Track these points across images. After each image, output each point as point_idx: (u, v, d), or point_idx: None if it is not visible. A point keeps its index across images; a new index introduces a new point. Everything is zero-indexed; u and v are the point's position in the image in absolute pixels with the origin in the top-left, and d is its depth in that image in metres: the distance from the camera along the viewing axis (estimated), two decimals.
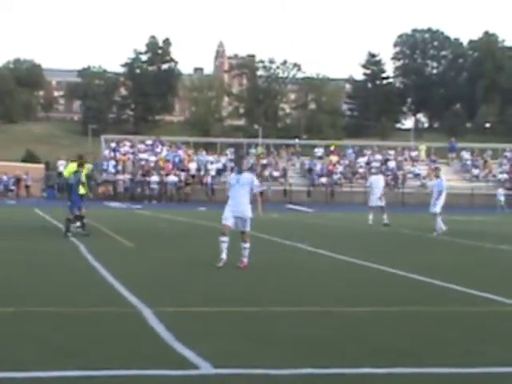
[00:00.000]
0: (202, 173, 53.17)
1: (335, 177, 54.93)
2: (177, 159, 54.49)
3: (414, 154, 60.45)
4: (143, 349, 6.41)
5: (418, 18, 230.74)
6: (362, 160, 58.01)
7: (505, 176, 55.86)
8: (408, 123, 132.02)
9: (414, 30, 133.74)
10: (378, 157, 58.50)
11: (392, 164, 57.14)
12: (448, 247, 18.59)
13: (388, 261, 13.95)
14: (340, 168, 56.19)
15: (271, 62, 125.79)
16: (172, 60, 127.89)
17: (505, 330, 7.73)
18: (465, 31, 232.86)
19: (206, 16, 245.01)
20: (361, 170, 56.26)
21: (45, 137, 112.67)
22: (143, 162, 53.45)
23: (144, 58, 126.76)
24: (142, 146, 57.65)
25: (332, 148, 60.07)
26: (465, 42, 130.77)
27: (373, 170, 47.87)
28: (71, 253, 14.87)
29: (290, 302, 9.18)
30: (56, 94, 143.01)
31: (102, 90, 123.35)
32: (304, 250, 16.38)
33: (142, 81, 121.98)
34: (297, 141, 67.40)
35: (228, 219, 12.54)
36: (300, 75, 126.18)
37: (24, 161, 75.23)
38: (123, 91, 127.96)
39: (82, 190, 19.38)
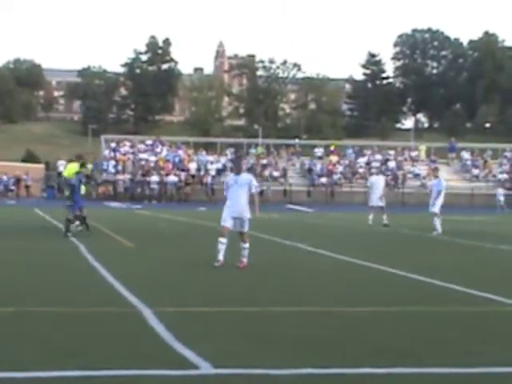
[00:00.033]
0: (202, 173, 53.17)
1: (335, 177, 54.93)
2: (177, 159, 54.49)
3: (414, 154, 60.45)
4: (143, 349, 6.41)
5: (418, 18, 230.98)
6: (362, 160, 58.01)
7: (505, 176, 55.87)
8: (408, 123, 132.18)
9: (414, 30, 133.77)
10: (378, 157, 58.50)
11: (392, 164, 57.13)
12: (448, 247, 18.59)
13: (388, 261, 13.95)
14: (340, 168, 56.18)
15: (271, 62, 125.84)
16: (172, 60, 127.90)
17: (505, 329, 7.73)
18: (465, 31, 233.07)
19: (206, 16, 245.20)
20: (361, 170, 56.26)
21: (45, 137, 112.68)
22: (143, 162, 53.45)
23: (144, 58, 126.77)
24: (142, 146, 57.65)
25: (332, 148, 60.07)
26: (465, 42, 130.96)
27: (373, 170, 47.91)
28: (71, 253, 14.87)
29: (290, 302, 9.18)
30: (56, 94, 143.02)
31: (102, 90, 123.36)
32: (304, 250, 16.38)
33: (142, 81, 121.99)
34: (297, 141, 67.39)
35: (227, 221, 12.54)
36: (300, 75, 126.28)
37: (24, 161, 75.23)
38: (123, 91, 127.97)
39: (82, 191, 19.41)
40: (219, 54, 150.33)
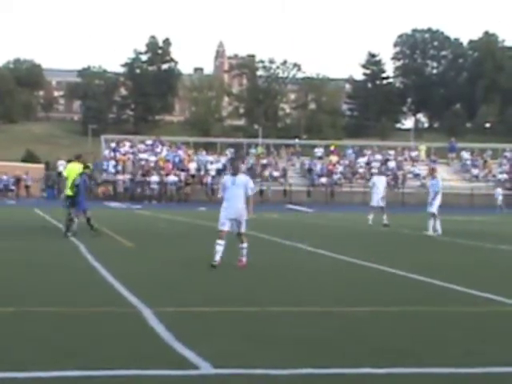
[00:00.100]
0: (202, 173, 53.18)
1: (335, 177, 54.93)
2: (177, 159, 54.50)
3: (414, 154, 60.46)
4: (143, 349, 6.41)
5: (418, 18, 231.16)
6: (362, 160, 58.02)
7: (504, 176, 55.88)
8: (408, 123, 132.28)
9: (414, 30, 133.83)
10: (378, 157, 58.51)
11: (392, 164, 57.14)
12: (448, 247, 18.59)
13: (388, 261, 13.95)
14: (340, 168, 56.19)
15: (271, 62, 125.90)
16: (172, 60, 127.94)
17: (505, 329, 7.72)
18: (465, 31, 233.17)
19: (206, 16, 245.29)
20: (361, 170, 56.27)
21: (45, 137, 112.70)
22: (143, 162, 53.45)
23: (144, 57, 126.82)
24: (142, 146, 57.65)
25: (332, 148, 60.08)
26: (465, 42, 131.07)
27: (374, 171, 47.95)
28: (71, 253, 14.87)
29: (290, 302, 9.18)
30: (56, 94, 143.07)
31: (102, 90, 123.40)
32: (304, 250, 16.37)
33: (142, 81, 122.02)
34: (297, 141, 67.41)
35: (225, 224, 12.51)
36: (300, 75, 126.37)
37: (24, 161, 75.26)
38: (123, 91, 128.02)
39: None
40: (219, 54, 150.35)
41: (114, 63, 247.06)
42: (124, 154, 55.18)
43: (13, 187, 53.41)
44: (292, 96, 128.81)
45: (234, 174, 12.81)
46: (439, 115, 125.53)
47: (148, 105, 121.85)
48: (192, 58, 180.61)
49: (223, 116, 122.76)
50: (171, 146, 57.87)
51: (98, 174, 49.38)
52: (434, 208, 22.30)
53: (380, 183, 27.53)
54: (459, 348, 6.75)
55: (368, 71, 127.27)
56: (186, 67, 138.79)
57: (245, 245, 12.65)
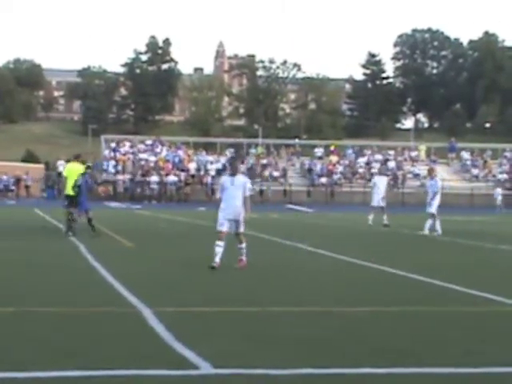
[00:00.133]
0: (202, 173, 53.18)
1: (335, 177, 54.92)
2: (177, 159, 54.50)
3: (413, 154, 60.45)
4: (143, 349, 6.41)
5: (418, 18, 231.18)
6: (362, 160, 58.01)
7: (504, 176, 55.89)
8: (408, 123, 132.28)
9: (414, 30, 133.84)
10: (378, 157, 58.50)
11: (392, 164, 57.13)
12: (448, 247, 18.59)
13: (388, 261, 13.95)
14: (340, 168, 56.18)
15: (271, 61, 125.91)
16: (172, 60, 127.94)
17: (505, 329, 7.72)
18: (465, 31, 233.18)
19: (206, 16, 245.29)
20: (361, 170, 56.27)
21: (45, 137, 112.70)
22: (143, 162, 53.45)
23: (144, 57, 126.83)
24: (141, 146, 57.65)
25: (332, 148, 60.08)
26: (465, 42, 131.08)
27: (374, 171, 47.94)
28: (71, 253, 14.87)
29: (291, 302, 9.18)
30: (56, 94, 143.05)
31: (102, 90, 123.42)
32: (304, 250, 16.38)
33: (142, 81, 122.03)
34: (297, 141, 67.41)
35: (223, 225, 12.48)
36: (300, 75, 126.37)
37: (24, 161, 75.27)
38: (123, 91, 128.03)
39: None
40: (219, 54, 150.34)
41: (114, 63, 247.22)
42: (124, 154, 55.18)
43: (13, 187, 53.40)
44: (292, 96, 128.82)
45: (233, 174, 12.74)
46: (439, 115, 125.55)
47: (148, 105, 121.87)
48: (192, 57, 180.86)
49: (223, 116, 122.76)
50: (171, 146, 57.87)
51: (98, 174, 49.36)
52: (433, 208, 22.29)
53: (381, 183, 27.53)
54: (459, 348, 6.75)
55: (368, 71, 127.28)
56: (185, 67, 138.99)
57: (244, 245, 12.64)
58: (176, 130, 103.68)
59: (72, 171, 19.42)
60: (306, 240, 18.38)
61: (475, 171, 57.18)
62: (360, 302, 9.26)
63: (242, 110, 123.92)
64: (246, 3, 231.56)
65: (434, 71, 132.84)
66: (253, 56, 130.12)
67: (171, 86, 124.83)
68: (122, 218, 30.07)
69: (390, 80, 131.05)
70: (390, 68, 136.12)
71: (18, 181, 53.81)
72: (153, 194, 50.27)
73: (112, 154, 55.12)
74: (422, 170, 56.18)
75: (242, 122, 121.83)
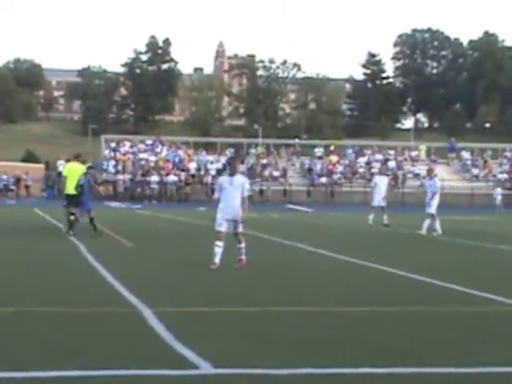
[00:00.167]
0: (202, 173, 53.19)
1: (335, 177, 54.93)
2: (177, 159, 54.51)
3: (414, 153, 60.47)
4: (143, 349, 6.41)
5: (418, 18, 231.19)
6: (362, 160, 58.03)
7: (504, 176, 55.90)
8: (408, 123, 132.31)
9: (414, 30, 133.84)
10: (378, 157, 58.51)
11: (392, 164, 57.14)
12: (448, 247, 18.59)
13: (388, 261, 13.95)
14: (340, 168, 56.20)
15: (271, 61, 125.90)
16: (172, 60, 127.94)
17: (505, 329, 7.72)
18: (465, 31, 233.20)
19: (206, 16, 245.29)
20: (361, 170, 56.28)
21: (45, 137, 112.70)
22: (143, 162, 53.46)
23: (144, 57, 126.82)
24: (142, 146, 57.67)
25: (332, 148, 60.11)
26: (465, 41, 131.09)
27: (374, 170, 47.94)
28: (71, 253, 14.87)
29: (290, 302, 9.18)
30: (56, 93, 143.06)
31: (101, 90, 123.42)
32: (304, 250, 16.38)
33: (142, 81, 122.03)
34: (297, 141, 67.42)
35: (222, 225, 12.45)
36: (300, 75, 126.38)
37: (24, 161, 75.26)
38: (123, 91, 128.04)
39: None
40: (219, 53, 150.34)
41: (114, 63, 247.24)
42: (124, 154, 55.20)
43: (13, 187, 53.42)
44: (292, 96, 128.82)
45: (232, 174, 12.69)
46: (439, 115, 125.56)
47: (148, 105, 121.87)
48: (192, 57, 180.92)
49: (223, 116, 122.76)
50: (171, 146, 57.88)
51: (98, 173, 49.36)
52: (432, 209, 22.28)
53: (382, 183, 27.54)
54: (459, 348, 6.75)
55: (368, 71, 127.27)
56: (185, 67, 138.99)
57: (243, 244, 12.63)
58: (176, 130, 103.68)
59: (72, 171, 19.44)
60: (305, 240, 18.39)
61: (475, 171, 57.20)
62: (360, 301, 9.26)
63: (241, 110, 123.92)
64: (246, 3, 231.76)
65: (434, 71, 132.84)
66: (253, 56, 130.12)
67: (171, 85, 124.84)
68: (122, 218, 30.07)
69: (390, 80, 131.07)
70: (389, 68, 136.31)
71: (17, 181, 53.83)
72: (153, 193, 50.29)
73: (112, 154, 55.14)
74: (422, 169, 56.18)
75: (241, 122, 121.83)
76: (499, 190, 48.86)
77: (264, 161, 56.02)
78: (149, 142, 59.08)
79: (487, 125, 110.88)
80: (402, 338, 7.12)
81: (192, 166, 53.53)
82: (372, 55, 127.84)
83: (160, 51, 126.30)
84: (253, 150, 59.30)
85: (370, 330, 7.47)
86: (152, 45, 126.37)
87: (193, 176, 52.49)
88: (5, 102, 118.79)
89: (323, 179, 54.14)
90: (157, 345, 6.57)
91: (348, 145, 65.03)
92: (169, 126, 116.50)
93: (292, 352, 6.42)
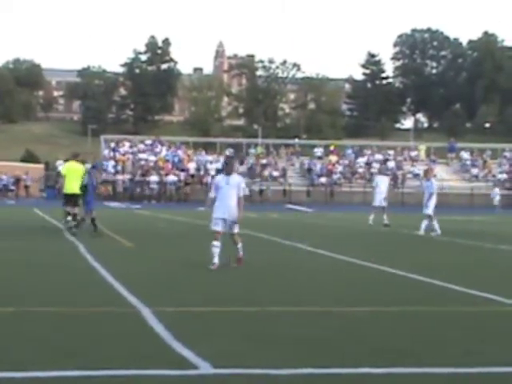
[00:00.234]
0: (202, 173, 53.20)
1: (335, 177, 54.94)
2: (176, 159, 54.52)
3: (413, 153, 60.50)
4: (143, 349, 6.41)
5: (417, 18, 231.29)
6: (362, 160, 58.05)
7: (504, 176, 55.92)
8: (408, 123, 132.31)
9: (414, 30, 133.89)
10: (378, 157, 58.53)
11: (392, 164, 57.16)
12: (448, 247, 18.59)
13: (388, 261, 13.95)
14: (339, 168, 56.21)
15: (271, 61, 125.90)
16: (171, 60, 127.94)
17: (505, 330, 7.72)
18: (464, 31, 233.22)
19: (205, 16, 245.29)
20: (360, 170, 56.29)
21: (44, 137, 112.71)
22: (143, 162, 53.47)
23: (143, 57, 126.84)
24: (141, 146, 57.68)
25: (331, 148, 60.13)
26: (464, 42, 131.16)
27: (374, 170, 47.96)
28: (71, 253, 14.86)
29: (290, 301, 9.17)
30: (56, 93, 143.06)
31: (101, 90, 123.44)
32: (304, 250, 16.37)
33: (142, 81, 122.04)
34: (296, 141, 67.43)
35: (218, 224, 12.38)
36: (299, 75, 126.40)
37: (23, 161, 75.26)
38: (123, 91, 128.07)
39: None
40: (219, 53, 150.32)
41: (114, 63, 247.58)
42: (123, 154, 55.21)
43: (12, 187, 53.43)
44: (291, 96, 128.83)
45: (228, 173, 12.61)
46: (439, 115, 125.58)
47: (147, 105, 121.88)
48: (192, 57, 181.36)
49: (223, 116, 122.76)
50: (171, 146, 57.90)
51: (98, 173, 49.36)
52: (429, 210, 22.26)
53: (382, 183, 27.55)
54: (459, 348, 6.75)
55: (368, 71, 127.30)
56: (185, 67, 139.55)
57: (240, 245, 12.60)
58: (175, 130, 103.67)
59: (71, 170, 19.41)
60: (305, 240, 18.38)
61: (475, 171, 57.22)
62: (360, 302, 9.26)
63: (241, 110, 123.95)
64: (246, 3, 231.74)
65: (434, 71, 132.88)
66: (252, 56, 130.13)
67: (171, 85, 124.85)
68: (121, 218, 30.07)
69: (390, 80, 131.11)
70: (389, 68, 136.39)
71: (17, 181, 53.84)
72: (152, 193, 50.30)
73: (111, 154, 55.15)
74: (421, 169, 56.20)
75: (241, 122, 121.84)
76: (497, 191, 48.89)
77: (263, 161, 56.04)
78: (148, 142, 59.10)
79: (487, 125, 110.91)
80: (401, 338, 7.11)
81: (191, 166, 53.54)
82: (372, 55, 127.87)
83: (159, 51, 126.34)
84: (252, 150, 59.32)
85: (370, 330, 7.47)
86: (151, 45, 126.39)
87: (192, 176, 52.50)
88: (4, 102, 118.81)
89: (323, 179, 54.15)
90: (156, 345, 6.57)
91: (348, 145, 65.06)
92: (168, 126, 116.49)
93: (292, 352, 6.41)
